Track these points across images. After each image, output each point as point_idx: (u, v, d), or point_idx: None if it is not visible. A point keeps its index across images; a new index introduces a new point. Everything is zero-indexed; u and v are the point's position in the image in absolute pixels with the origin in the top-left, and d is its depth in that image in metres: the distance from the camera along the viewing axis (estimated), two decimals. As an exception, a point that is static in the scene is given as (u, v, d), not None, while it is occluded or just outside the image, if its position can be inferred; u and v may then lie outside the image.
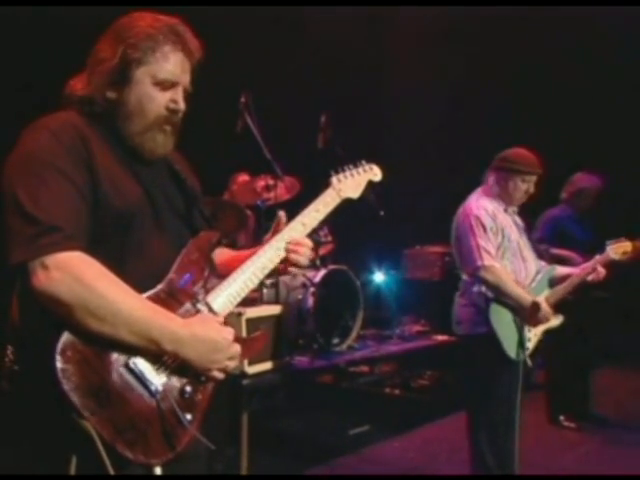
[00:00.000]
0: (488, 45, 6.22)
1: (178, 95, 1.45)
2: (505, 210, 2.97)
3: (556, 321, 2.98)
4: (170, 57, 1.42)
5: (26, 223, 1.25)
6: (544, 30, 6.02)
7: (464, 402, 3.06)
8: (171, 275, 1.40)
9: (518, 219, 3.07)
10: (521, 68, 6.20)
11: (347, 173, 1.80)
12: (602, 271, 3.06)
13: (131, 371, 1.29)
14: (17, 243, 1.25)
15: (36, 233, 1.24)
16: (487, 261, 2.78)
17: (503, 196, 2.96)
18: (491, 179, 2.97)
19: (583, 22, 5.70)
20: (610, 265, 3.10)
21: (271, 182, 4.60)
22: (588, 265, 3.09)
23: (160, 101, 1.43)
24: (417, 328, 5.77)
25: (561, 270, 3.11)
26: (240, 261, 1.55)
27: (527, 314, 2.82)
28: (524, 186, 2.92)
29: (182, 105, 1.46)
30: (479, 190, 3.02)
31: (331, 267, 4.81)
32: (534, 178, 2.95)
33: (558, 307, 2.98)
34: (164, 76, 1.42)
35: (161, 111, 1.43)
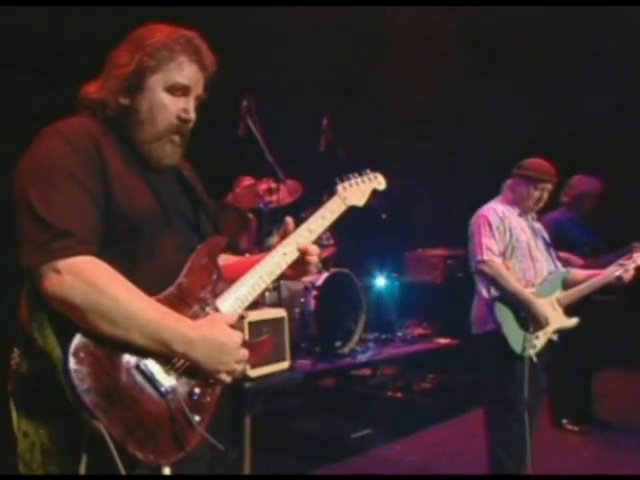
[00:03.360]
0: (489, 49, 6.23)
1: (189, 105, 1.47)
2: (520, 215, 3.08)
3: (569, 323, 3.03)
4: (185, 67, 1.45)
5: (39, 227, 1.26)
6: (544, 30, 6.04)
7: (481, 400, 3.12)
8: (181, 279, 1.42)
9: (538, 225, 3.18)
10: (522, 72, 6.22)
11: (352, 181, 1.83)
12: (630, 275, 3.10)
13: (142, 372, 1.30)
14: (29, 247, 1.26)
15: (48, 237, 1.25)
16: (486, 256, 2.92)
17: (517, 202, 3.08)
18: (510, 187, 3.10)
19: (587, 22, 5.72)
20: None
21: (273, 185, 4.61)
22: (612, 270, 3.11)
23: (171, 110, 1.45)
24: (419, 331, 5.77)
25: (577, 273, 3.16)
26: (246, 266, 1.57)
27: (525, 312, 2.88)
28: (537, 193, 3.03)
29: (193, 115, 1.48)
30: (497, 197, 3.15)
31: (333, 270, 4.81)
32: (548, 186, 3.04)
33: (568, 309, 3.02)
34: (176, 80, 1.44)
35: (172, 120, 1.45)
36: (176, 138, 1.47)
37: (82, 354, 1.23)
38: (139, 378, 1.30)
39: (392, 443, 4.09)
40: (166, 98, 1.44)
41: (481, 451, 3.03)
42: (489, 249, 2.92)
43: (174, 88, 1.44)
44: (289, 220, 1.66)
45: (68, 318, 1.26)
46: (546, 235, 3.20)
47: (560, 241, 3.99)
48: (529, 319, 2.89)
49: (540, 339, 2.92)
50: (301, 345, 4.53)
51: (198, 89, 1.49)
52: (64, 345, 1.23)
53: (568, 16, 5.75)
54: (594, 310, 3.82)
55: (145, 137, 1.44)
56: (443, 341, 5.49)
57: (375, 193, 1.92)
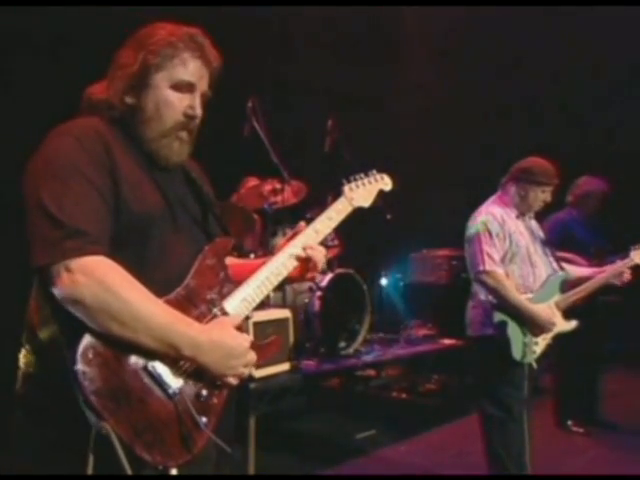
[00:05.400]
0: (493, 50, 6.23)
1: (195, 101, 1.47)
2: (517, 217, 3.05)
3: (568, 326, 3.02)
4: (189, 63, 1.45)
5: (51, 226, 1.26)
6: (548, 32, 6.03)
7: (476, 403, 3.09)
8: (188, 280, 1.42)
9: (535, 225, 3.16)
10: (526, 73, 6.21)
11: (359, 182, 1.83)
12: (628, 275, 3.12)
13: (150, 374, 1.31)
14: (41, 246, 1.26)
15: (61, 237, 1.25)
16: (489, 266, 2.88)
17: (521, 205, 3.05)
18: (512, 190, 3.06)
19: (588, 25, 5.70)
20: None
21: (278, 186, 4.61)
22: (609, 270, 3.12)
23: (177, 107, 1.45)
24: (424, 332, 5.75)
25: (576, 274, 3.15)
26: (251, 268, 1.57)
27: (527, 323, 2.87)
28: (543, 196, 3.04)
29: (199, 111, 1.48)
30: (493, 197, 3.12)
31: (338, 271, 4.81)
32: (552, 188, 3.05)
33: (569, 311, 3.01)
34: (181, 77, 1.44)
35: (178, 117, 1.45)
36: (183, 135, 1.47)
37: (90, 355, 1.24)
38: (147, 380, 1.30)
39: (396, 444, 4.09)
40: (172, 95, 1.44)
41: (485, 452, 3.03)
42: (491, 258, 2.88)
43: (179, 85, 1.44)
44: (302, 224, 1.67)
45: (77, 318, 1.26)
46: (542, 234, 3.18)
47: (565, 242, 4.00)
48: (531, 327, 2.87)
49: (539, 345, 2.92)
50: (305, 346, 4.52)
51: (203, 85, 1.49)
52: (73, 345, 1.23)
53: (569, 15, 5.75)
54: (599, 311, 3.82)
55: (152, 135, 1.45)
56: (448, 342, 5.46)
57: (381, 194, 1.92)
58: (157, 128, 1.44)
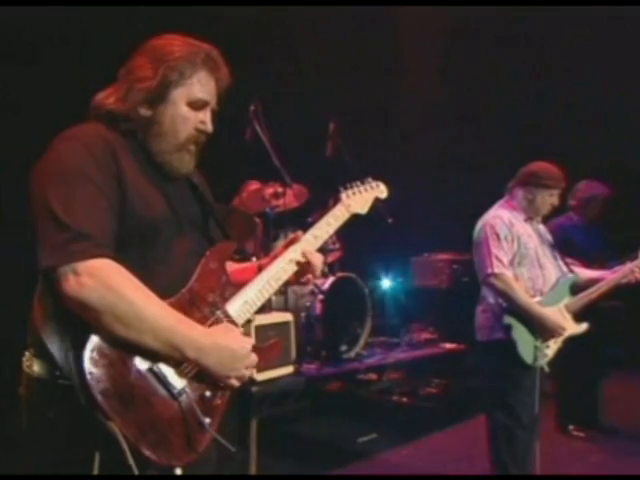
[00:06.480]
0: (496, 55, 6.24)
1: (207, 117, 1.52)
2: (525, 220, 3.05)
3: (579, 329, 3.02)
4: (205, 82, 1.50)
5: (58, 229, 1.29)
6: (549, 32, 6.05)
7: (484, 408, 3.09)
8: (192, 283, 1.44)
9: (543, 229, 3.16)
10: (526, 79, 6.22)
11: (355, 189, 1.88)
12: (638, 274, 3.12)
13: (154, 374, 1.33)
14: (48, 248, 1.29)
15: (67, 239, 1.28)
16: (497, 269, 2.86)
17: (529, 209, 3.05)
18: (519, 194, 3.06)
19: (589, 25, 5.71)
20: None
21: (280, 190, 4.63)
22: (619, 272, 3.13)
23: (192, 122, 1.49)
24: (425, 336, 5.76)
25: (585, 276, 3.15)
26: (252, 272, 1.61)
27: (536, 326, 2.86)
28: (551, 199, 3.04)
29: (210, 127, 1.52)
30: (501, 202, 3.12)
31: (339, 274, 4.82)
32: (559, 191, 3.06)
33: (577, 315, 3.01)
34: (197, 95, 1.49)
35: (191, 131, 1.50)
36: (193, 148, 1.52)
37: (96, 356, 1.26)
38: (152, 380, 1.32)
39: (398, 448, 4.08)
40: (188, 112, 1.49)
41: (487, 456, 3.02)
42: (499, 261, 2.86)
43: (195, 103, 1.49)
44: (299, 235, 1.71)
45: (83, 320, 1.28)
46: (550, 238, 3.19)
47: (565, 247, 4.00)
48: (540, 330, 2.86)
49: (551, 348, 2.91)
50: (307, 349, 4.53)
51: (214, 101, 1.54)
52: (79, 347, 1.26)
53: (571, 15, 5.76)
54: (601, 315, 3.82)
55: (165, 148, 1.49)
56: (449, 346, 5.47)
57: (377, 201, 1.96)
58: (172, 142, 1.48)
